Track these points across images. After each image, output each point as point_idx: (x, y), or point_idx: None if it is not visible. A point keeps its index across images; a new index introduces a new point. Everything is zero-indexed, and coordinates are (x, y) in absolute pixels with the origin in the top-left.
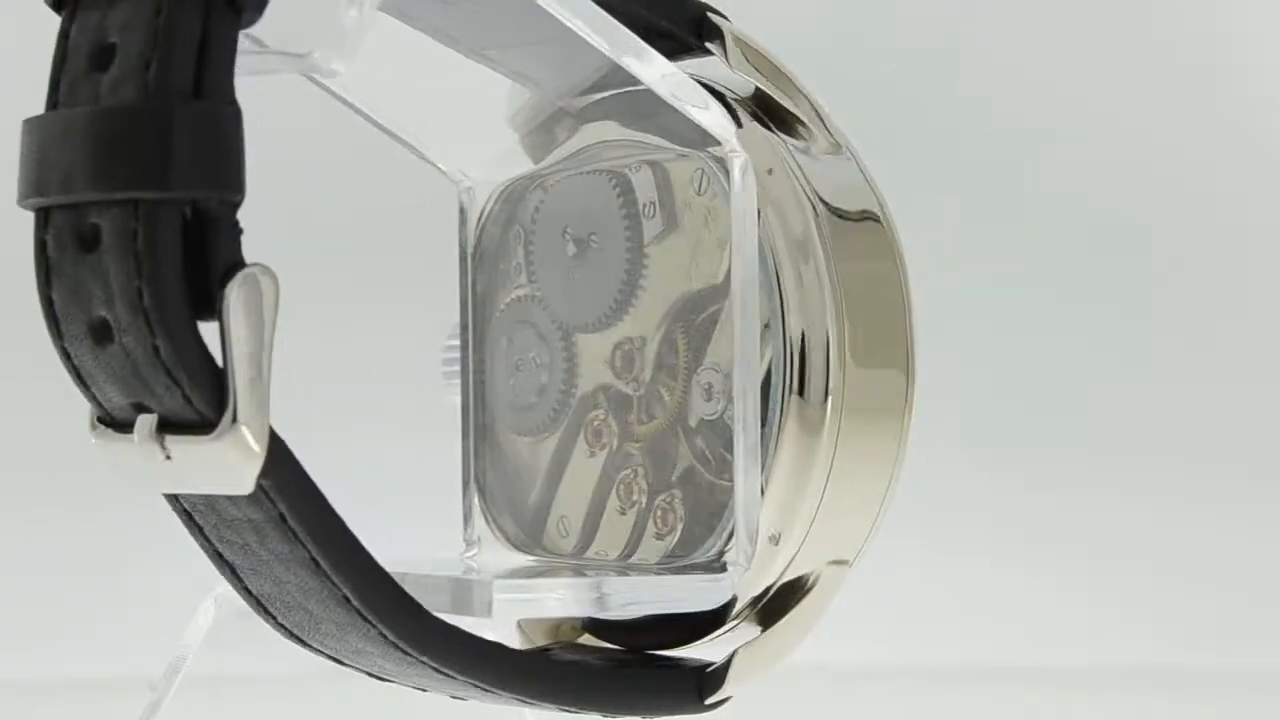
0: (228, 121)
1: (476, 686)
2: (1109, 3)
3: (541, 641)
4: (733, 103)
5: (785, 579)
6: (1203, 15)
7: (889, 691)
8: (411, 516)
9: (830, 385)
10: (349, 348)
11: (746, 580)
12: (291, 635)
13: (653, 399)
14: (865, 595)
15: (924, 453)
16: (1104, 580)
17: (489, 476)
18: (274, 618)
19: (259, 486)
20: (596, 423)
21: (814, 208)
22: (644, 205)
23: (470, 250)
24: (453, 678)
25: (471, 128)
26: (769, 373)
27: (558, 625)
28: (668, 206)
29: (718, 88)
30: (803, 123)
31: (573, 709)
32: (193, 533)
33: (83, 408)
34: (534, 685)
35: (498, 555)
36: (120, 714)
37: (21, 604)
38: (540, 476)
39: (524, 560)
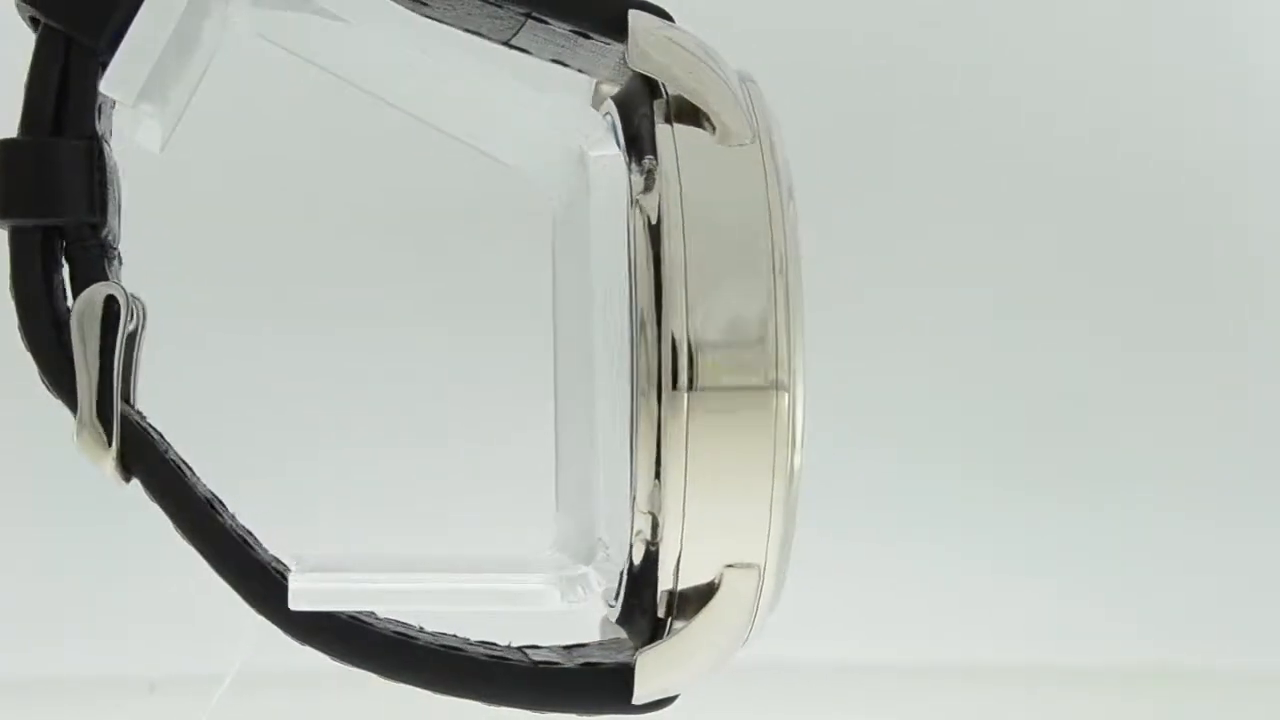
0: (80, 154)
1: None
2: (1114, 4)
3: (612, 635)
4: (657, 102)
5: (685, 585)
6: (1210, 13)
7: (888, 690)
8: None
9: (677, 378)
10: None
11: (645, 584)
12: None
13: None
14: (865, 595)
15: (923, 452)
16: (1104, 580)
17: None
18: None
19: (139, 481)
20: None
21: (680, 195)
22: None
23: (555, 249)
24: (344, 664)
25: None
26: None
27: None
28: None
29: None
30: (708, 116)
31: (489, 703)
32: None
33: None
34: (438, 679)
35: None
36: (121, 714)
37: (21, 604)
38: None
39: None
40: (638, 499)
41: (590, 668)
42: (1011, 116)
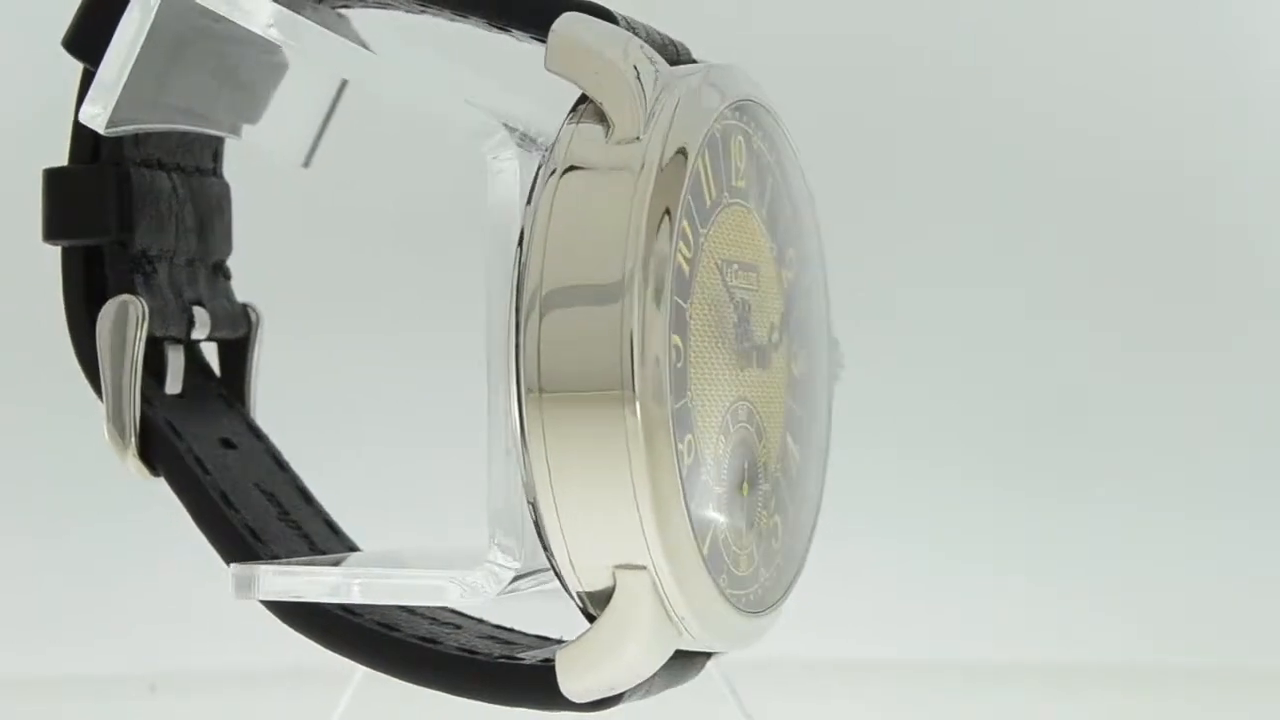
0: (109, 179)
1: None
2: (1116, 5)
3: None
4: (580, 106)
5: (588, 586)
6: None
7: (887, 689)
8: None
9: (541, 380)
10: None
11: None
12: None
13: None
14: (865, 594)
15: (923, 451)
16: (1104, 580)
17: None
18: None
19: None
20: None
21: (554, 196)
22: None
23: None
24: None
25: None
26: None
27: None
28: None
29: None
30: (605, 115)
31: (455, 694)
32: None
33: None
34: (408, 670)
35: None
36: (121, 714)
37: (21, 604)
38: None
39: None
40: (527, 497)
41: (546, 664)
42: (1011, 118)
